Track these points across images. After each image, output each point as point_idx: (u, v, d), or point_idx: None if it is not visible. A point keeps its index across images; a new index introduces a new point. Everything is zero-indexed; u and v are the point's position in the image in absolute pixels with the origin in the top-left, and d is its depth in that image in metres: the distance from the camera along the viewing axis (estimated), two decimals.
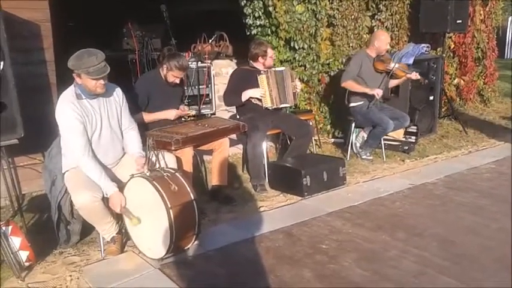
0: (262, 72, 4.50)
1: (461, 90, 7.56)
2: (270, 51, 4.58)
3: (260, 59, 4.53)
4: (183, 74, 4.03)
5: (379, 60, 5.04)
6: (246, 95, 4.47)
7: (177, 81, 4.00)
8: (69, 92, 3.03)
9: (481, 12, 7.41)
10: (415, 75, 5.07)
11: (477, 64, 7.67)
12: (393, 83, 5.29)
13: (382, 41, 5.03)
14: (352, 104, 5.12)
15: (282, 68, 4.79)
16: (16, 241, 2.84)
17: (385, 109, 5.11)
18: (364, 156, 5.14)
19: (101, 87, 2.99)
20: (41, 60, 4.04)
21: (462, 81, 7.47)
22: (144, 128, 3.79)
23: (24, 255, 2.85)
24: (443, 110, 6.88)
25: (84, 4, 7.49)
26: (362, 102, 5.05)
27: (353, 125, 5.19)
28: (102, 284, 2.79)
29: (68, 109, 2.96)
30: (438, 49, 6.80)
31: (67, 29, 6.57)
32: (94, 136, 3.09)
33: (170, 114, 4.05)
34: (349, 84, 5.00)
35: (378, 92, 4.90)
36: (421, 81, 5.25)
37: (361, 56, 5.13)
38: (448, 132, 6.39)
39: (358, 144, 5.24)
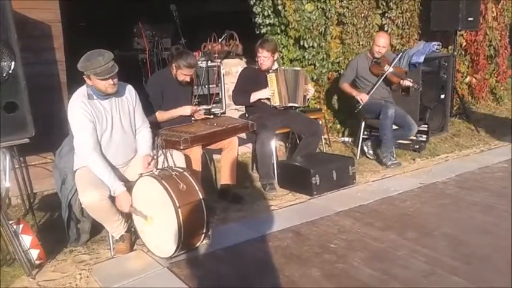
0: (271, 71, 4.49)
1: (473, 89, 7.47)
2: (264, 52, 4.37)
3: (256, 57, 4.49)
4: (193, 72, 4.02)
5: (375, 62, 5.00)
6: (254, 96, 4.47)
7: (188, 79, 3.99)
8: (81, 92, 3.07)
9: (493, 9, 7.31)
10: (407, 82, 4.88)
11: (489, 62, 7.57)
12: (395, 85, 5.11)
13: (375, 41, 5.04)
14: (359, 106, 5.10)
15: (298, 68, 4.79)
16: (27, 239, 2.88)
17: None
18: (389, 163, 4.84)
19: (111, 87, 3.01)
20: (51, 60, 4.08)
21: (474, 79, 7.39)
22: (156, 127, 3.80)
23: (34, 253, 2.88)
24: (454, 108, 6.82)
25: (94, 4, 7.55)
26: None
27: (363, 124, 5.16)
28: (111, 283, 2.80)
29: (78, 108, 2.99)
30: (449, 47, 6.74)
31: (78, 29, 6.61)
32: (104, 136, 3.11)
33: (185, 110, 4.04)
34: (343, 87, 5.18)
35: (362, 98, 4.94)
36: (413, 86, 4.96)
37: (357, 58, 5.23)
38: (459, 131, 6.32)
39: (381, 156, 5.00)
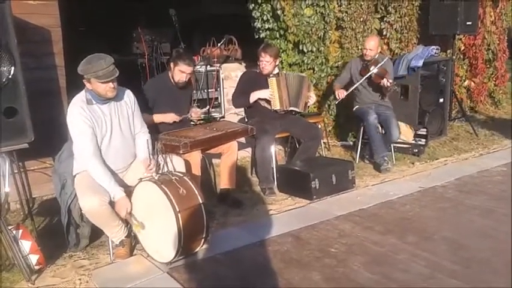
0: (271, 75, 4.49)
1: (471, 92, 7.48)
2: (266, 57, 4.38)
3: (258, 61, 4.50)
4: (190, 71, 3.97)
5: (365, 65, 5.03)
6: (254, 96, 4.46)
7: (184, 78, 3.95)
8: (80, 97, 3.07)
9: (492, 13, 7.33)
10: (385, 82, 4.81)
11: (488, 66, 7.58)
12: (380, 86, 5.01)
13: (364, 44, 5.11)
14: (353, 109, 5.21)
15: (303, 75, 4.82)
16: (26, 245, 2.87)
17: (381, 115, 4.97)
18: (381, 168, 4.84)
19: (111, 90, 3.02)
20: (51, 65, 4.08)
21: (473, 83, 7.39)
22: (155, 130, 3.79)
23: (34, 258, 2.88)
24: (453, 112, 6.83)
25: (94, 9, 7.57)
26: (358, 106, 5.16)
27: (362, 128, 5.16)
28: None
29: (77, 113, 2.99)
30: (448, 51, 6.75)
31: (78, 34, 6.62)
32: (104, 141, 3.11)
33: (168, 117, 3.97)
34: (334, 87, 5.24)
35: (340, 93, 5.00)
36: (392, 88, 4.87)
37: (352, 61, 5.28)
38: (458, 135, 6.33)
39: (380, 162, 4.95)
